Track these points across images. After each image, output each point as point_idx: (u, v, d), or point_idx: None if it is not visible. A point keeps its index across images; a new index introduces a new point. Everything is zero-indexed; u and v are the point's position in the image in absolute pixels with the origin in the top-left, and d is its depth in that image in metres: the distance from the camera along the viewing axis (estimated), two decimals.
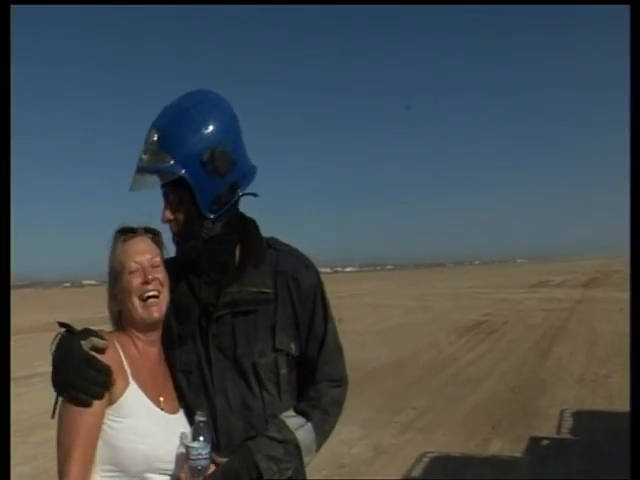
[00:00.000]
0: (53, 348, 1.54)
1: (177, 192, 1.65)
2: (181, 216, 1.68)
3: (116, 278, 1.67)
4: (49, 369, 1.54)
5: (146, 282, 1.64)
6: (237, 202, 1.73)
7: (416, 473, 5.35)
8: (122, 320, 1.70)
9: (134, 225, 1.71)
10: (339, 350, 1.82)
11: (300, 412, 1.73)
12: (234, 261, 1.75)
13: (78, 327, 1.61)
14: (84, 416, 1.51)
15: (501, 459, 5.67)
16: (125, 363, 1.62)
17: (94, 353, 1.52)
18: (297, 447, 1.68)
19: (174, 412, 1.69)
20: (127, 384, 1.59)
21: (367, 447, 6.17)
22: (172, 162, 1.61)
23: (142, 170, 1.65)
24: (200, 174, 1.62)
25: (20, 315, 32.22)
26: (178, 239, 1.71)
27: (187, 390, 1.73)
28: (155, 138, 1.64)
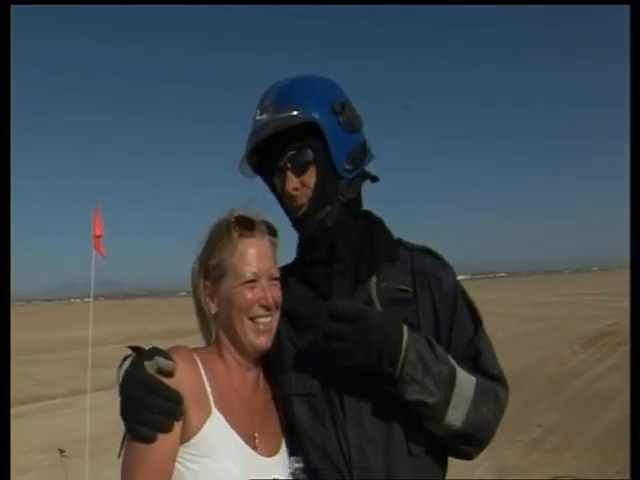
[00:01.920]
0: (120, 375, 1.25)
1: (305, 147, 1.39)
2: (311, 178, 1.41)
3: (220, 277, 1.35)
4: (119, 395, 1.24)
5: (264, 306, 1.33)
6: (364, 175, 1.48)
7: None
8: (216, 328, 1.38)
9: (250, 214, 1.39)
10: (492, 353, 1.47)
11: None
12: (367, 249, 1.45)
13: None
14: (149, 453, 1.19)
15: None
16: (207, 386, 1.29)
17: (161, 377, 1.22)
18: (451, 379, 1.31)
19: (271, 454, 1.33)
20: (208, 413, 1.26)
21: (489, 469, 5.66)
22: (300, 109, 1.37)
23: (263, 127, 1.38)
24: (333, 124, 1.39)
25: (134, 324, 34.10)
26: (308, 209, 1.41)
27: (306, 418, 1.39)
28: (270, 101, 1.41)
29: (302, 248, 1.50)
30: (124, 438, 1.24)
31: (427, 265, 1.48)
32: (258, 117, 1.41)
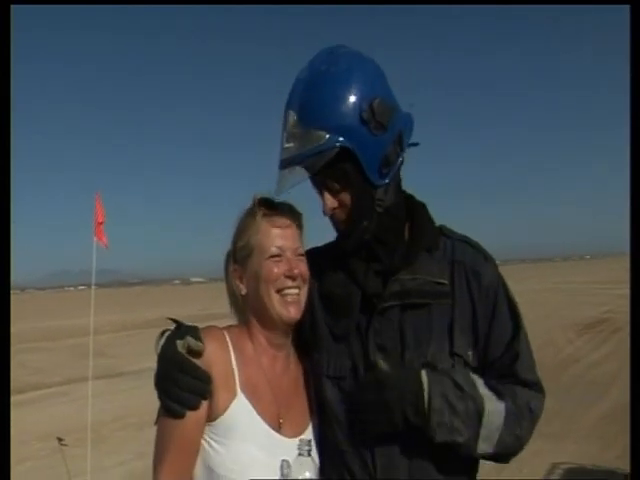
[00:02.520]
0: (158, 348, 1.31)
1: (336, 170, 1.34)
2: (347, 197, 1.38)
3: (247, 257, 1.38)
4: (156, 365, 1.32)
5: (290, 276, 1.35)
6: (402, 162, 1.42)
7: None
8: (246, 309, 1.40)
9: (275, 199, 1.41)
10: (531, 357, 1.43)
11: (492, 388, 1.35)
12: (403, 242, 1.43)
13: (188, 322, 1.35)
14: (177, 428, 1.27)
15: None
16: (235, 367, 1.31)
17: (190, 357, 1.27)
18: (479, 415, 1.30)
19: (297, 434, 1.35)
20: (234, 396, 1.29)
21: None
22: (327, 136, 1.31)
23: (291, 162, 1.33)
24: (363, 135, 1.33)
25: (129, 312, 34.08)
26: (347, 227, 1.39)
27: (336, 401, 1.40)
28: (295, 118, 1.34)
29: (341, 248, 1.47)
30: (159, 411, 1.31)
31: (467, 257, 1.44)
32: (285, 144, 1.35)
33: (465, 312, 1.40)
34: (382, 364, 1.34)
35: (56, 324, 27.72)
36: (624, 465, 5.26)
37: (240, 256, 1.40)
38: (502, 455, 1.38)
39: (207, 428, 1.30)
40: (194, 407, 1.26)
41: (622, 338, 13.26)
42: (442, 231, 1.49)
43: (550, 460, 5.36)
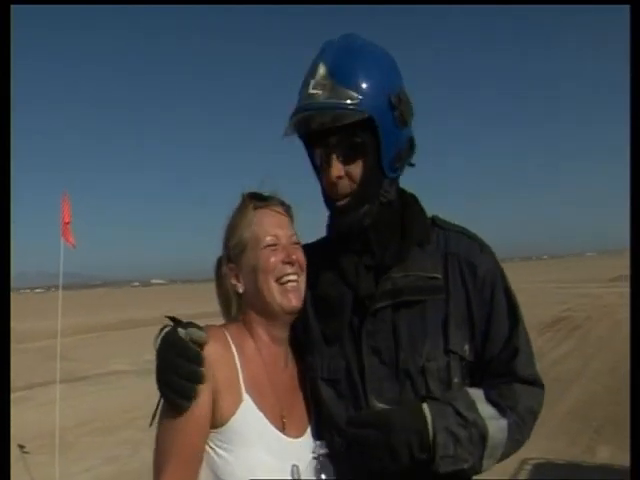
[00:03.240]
0: (157, 343, 1.25)
1: (355, 137, 1.30)
2: (357, 170, 1.33)
3: (242, 252, 1.34)
4: (123, 367, 1.25)
5: (289, 262, 1.32)
6: (408, 164, 1.41)
7: None
8: (244, 306, 1.37)
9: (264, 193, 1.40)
10: (530, 350, 1.39)
11: (492, 403, 1.31)
12: (397, 239, 1.38)
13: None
14: (179, 435, 1.20)
15: (612, 468, 5.11)
16: (239, 370, 1.27)
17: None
18: (483, 439, 1.26)
19: (299, 435, 1.32)
20: (240, 400, 1.24)
21: None
22: (359, 99, 1.27)
23: (315, 108, 1.28)
24: (387, 120, 1.30)
25: (92, 314, 33.41)
26: (347, 203, 1.34)
27: (332, 403, 1.36)
28: (327, 72, 1.29)
29: (333, 233, 1.43)
30: (158, 404, 1.25)
31: (461, 248, 1.39)
32: (312, 90, 1.29)
33: (460, 305, 1.36)
34: (378, 405, 1.30)
35: (17, 328, 26.98)
36: (590, 459, 5.41)
37: (234, 253, 1.36)
38: (501, 460, 1.34)
39: (212, 435, 1.24)
40: (193, 396, 1.19)
41: (582, 335, 13.67)
42: (435, 222, 1.44)
43: (519, 456, 5.44)
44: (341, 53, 1.32)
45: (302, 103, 1.31)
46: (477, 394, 1.31)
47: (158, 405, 1.24)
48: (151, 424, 1.27)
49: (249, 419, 1.25)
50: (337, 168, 1.32)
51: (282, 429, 1.29)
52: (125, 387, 10.37)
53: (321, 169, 1.37)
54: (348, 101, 1.26)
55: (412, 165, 1.43)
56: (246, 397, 1.26)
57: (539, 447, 5.72)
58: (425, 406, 1.26)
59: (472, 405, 1.29)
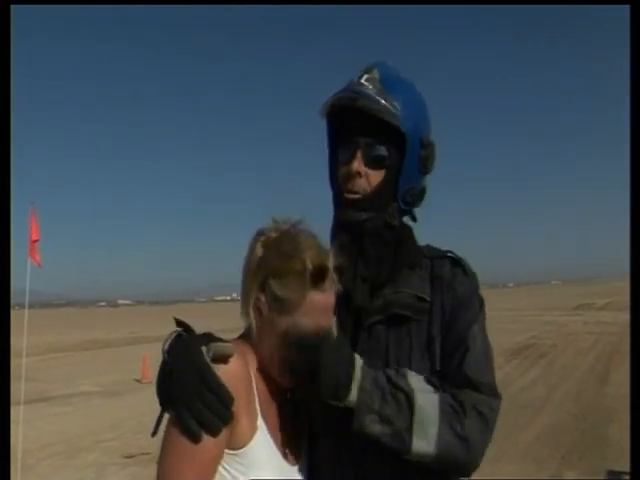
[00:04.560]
0: (166, 347, 1.16)
1: (386, 146, 1.36)
2: (376, 178, 1.37)
3: (279, 312, 1.24)
4: (91, 388, 1.17)
5: None
6: (414, 203, 1.45)
7: None
8: (256, 329, 1.28)
9: (325, 261, 1.26)
10: (482, 356, 1.34)
11: (429, 382, 1.29)
12: (391, 261, 1.40)
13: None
14: (196, 454, 1.10)
15: None
16: (256, 395, 1.21)
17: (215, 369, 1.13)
18: (410, 405, 1.22)
19: (296, 462, 1.28)
20: (256, 425, 1.19)
21: None
22: (400, 110, 1.33)
23: (364, 95, 1.32)
24: (415, 151, 1.36)
25: (56, 334, 32.62)
26: (360, 199, 1.36)
27: (323, 422, 1.35)
28: (380, 78, 1.36)
29: (334, 225, 1.43)
30: (160, 418, 1.14)
31: (444, 273, 1.41)
32: (363, 80, 1.35)
33: (437, 327, 1.36)
34: (369, 425, 1.24)
35: None
36: None
37: (271, 300, 1.25)
38: (450, 461, 1.24)
39: (229, 456, 1.15)
40: (215, 433, 1.09)
41: (548, 362, 13.84)
42: (424, 250, 1.47)
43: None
44: (392, 73, 1.39)
45: (351, 86, 1.36)
46: (413, 374, 1.30)
47: (161, 417, 1.15)
48: (153, 435, 1.19)
49: (264, 445, 1.19)
50: (360, 163, 1.35)
51: (285, 455, 1.25)
52: (91, 408, 10.18)
53: (341, 164, 1.40)
54: (395, 107, 1.32)
55: (414, 219, 1.47)
56: (261, 423, 1.20)
57: (508, 471, 5.80)
58: (357, 356, 1.26)
59: (404, 374, 1.28)
